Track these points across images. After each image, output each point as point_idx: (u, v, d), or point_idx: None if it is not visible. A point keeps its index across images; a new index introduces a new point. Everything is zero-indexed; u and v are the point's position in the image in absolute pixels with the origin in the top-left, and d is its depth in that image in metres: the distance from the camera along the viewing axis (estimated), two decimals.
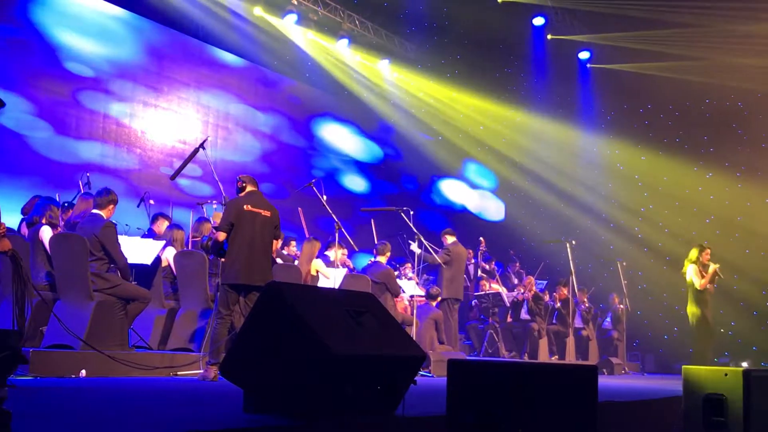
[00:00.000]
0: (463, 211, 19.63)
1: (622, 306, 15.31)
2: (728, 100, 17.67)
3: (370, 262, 11.12)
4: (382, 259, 10.82)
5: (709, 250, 11.48)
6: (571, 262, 13.18)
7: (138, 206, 10.76)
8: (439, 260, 11.52)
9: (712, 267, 11.29)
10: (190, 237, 9.66)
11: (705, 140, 17.74)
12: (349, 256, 12.27)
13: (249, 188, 7.46)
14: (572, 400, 3.81)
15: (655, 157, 18.24)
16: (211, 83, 14.09)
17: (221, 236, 7.23)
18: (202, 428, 3.38)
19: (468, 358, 11.42)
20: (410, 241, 11.05)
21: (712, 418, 5.18)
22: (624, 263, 15.28)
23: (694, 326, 11.37)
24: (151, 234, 9.47)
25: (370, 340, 4.29)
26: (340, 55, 16.51)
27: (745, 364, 11.57)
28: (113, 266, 7.66)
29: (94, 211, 7.72)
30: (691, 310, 11.37)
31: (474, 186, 20.10)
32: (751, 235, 16.13)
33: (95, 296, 7.33)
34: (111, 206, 7.79)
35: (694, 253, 11.50)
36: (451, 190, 19.59)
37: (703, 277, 11.25)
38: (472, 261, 14.68)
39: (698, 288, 11.22)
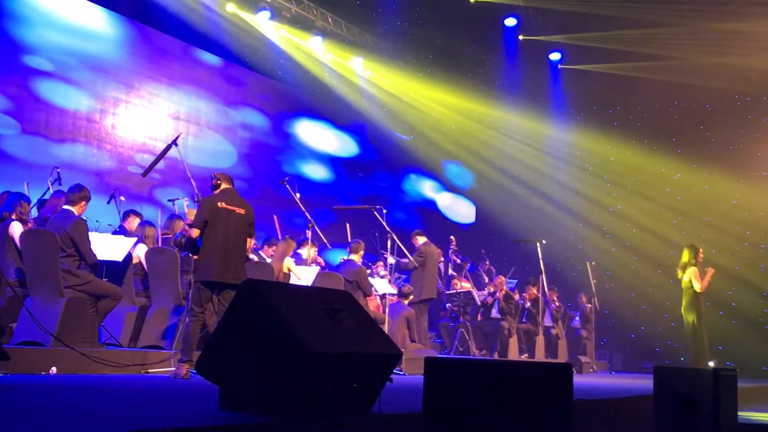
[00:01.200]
0: (435, 210, 19.69)
1: (590, 305, 15.45)
2: (695, 101, 17.89)
3: (343, 260, 11.12)
4: (356, 258, 10.81)
5: (701, 250, 11.55)
6: (541, 261, 13.27)
7: (108, 203, 10.64)
8: (415, 264, 11.54)
9: (710, 271, 11.34)
10: (161, 234, 9.61)
11: (673, 142, 17.94)
12: (321, 254, 12.25)
13: (224, 186, 7.42)
14: (548, 398, 3.84)
15: (624, 158, 18.43)
16: (182, 79, 13.99)
17: (195, 233, 7.20)
18: (179, 425, 3.36)
19: (440, 356, 11.46)
20: (385, 254, 11.07)
21: (683, 416, 5.24)
22: (593, 263, 15.41)
23: (691, 328, 11.40)
24: (122, 231, 9.40)
25: (347, 338, 4.31)
26: (313, 53, 16.48)
27: (711, 364, 11.70)
28: (84, 263, 7.60)
29: (66, 207, 7.66)
30: (689, 311, 11.40)
31: (446, 186, 20.16)
32: (717, 235, 16.34)
33: (66, 293, 7.26)
34: (83, 203, 7.73)
35: (688, 255, 11.50)
36: (424, 190, 19.62)
37: (701, 280, 11.30)
38: (442, 259, 14.71)
39: (698, 291, 11.27)
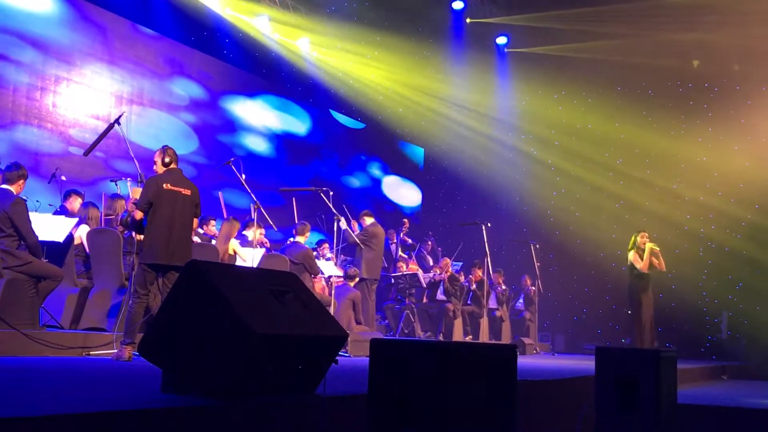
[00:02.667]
0: (382, 193, 19.70)
1: (534, 288, 15.63)
2: (638, 88, 18.16)
3: (289, 243, 11.08)
4: (302, 240, 10.79)
5: (644, 233, 11.72)
6: (486, 244, 13.38)
7: (49, 182, 10.46)
8: (356, 240, 11.56)
9: (648, 247, 11.51)
10: (103, 215, 9.46)
11: (616, 127, 18.18)
12: (268, 236, 12.19)
13: (172, 165, 7.33)
14: (493, 379, 3.88)
15: (568, 143, 18.65)
16: (125, 57, 13.71)
17: (138, 215, 7.12)
18: (120, 408, 3.32)
19: (385, 337, 11.50)
20: (340, 217, 11.02)
21: (624, 397, 5.32)
22: (537, 246, 15.58)
23: (634, 309, 11.56)
24: (63, 211, 9.23)
25: (292, 320, 4.29)
26: (259, 32, 16.30)
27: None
28: (23, 243, 7.45)
29: (4, 186, 7.48)
30: (633, 294, 11.56)
31: (394, 168, 20.15)
32: (657, 220, 16.64)
33: (5, 274, 7.12)
34: (21, 181, 7.56)
35: (632, 239, 11.71)
36: (371, 173, 19.60)
37: (641, 260, 11.45)
38: (394, 241, 14.80)
39: (640, 270, 11.43)
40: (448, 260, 14.38)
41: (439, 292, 13.86)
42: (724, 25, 15.81)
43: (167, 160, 7.32)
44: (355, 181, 19.02)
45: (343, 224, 11.01)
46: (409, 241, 15.08)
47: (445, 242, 17.42)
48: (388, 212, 18.84)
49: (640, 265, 11.45)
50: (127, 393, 4.33)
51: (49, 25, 12.51)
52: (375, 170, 19.68)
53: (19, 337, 6.50)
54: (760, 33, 15.73)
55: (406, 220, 15.37)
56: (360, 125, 19.06)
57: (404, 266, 14.13)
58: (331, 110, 18.27)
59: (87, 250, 8.84)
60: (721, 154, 17.04)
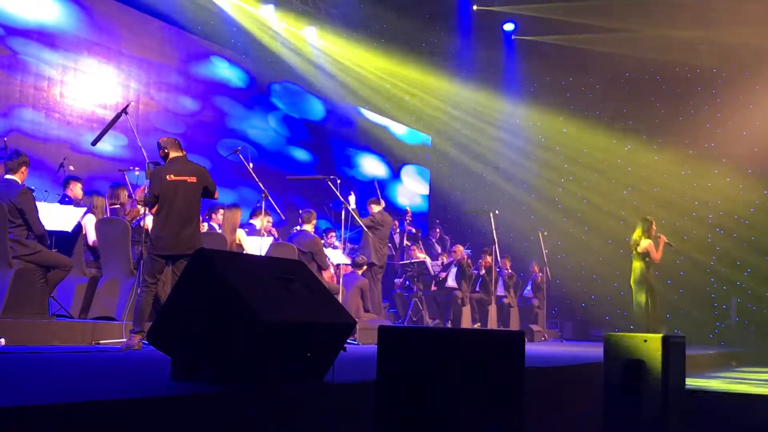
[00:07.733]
0: (387, 186, 19.67)
1: (541, 275, 15.62)
2: (646, 73, 18.12)
3: (296, 231, 11.08)
4: (309, 228, 10.79)
5: (654, 222, 11.67)
6: (494, 231, 13.37)
7: (57, 172, 10.48)
8: (363, 223, 11.54)
9: (662, 239, 11.48)
10: (108, 205, 9.45)
11: (624, 113, 18.14)
12: (276, 225, 12.20)
13: (172, 154, 7.30)
14: (501, 366, 3.88)
15: (576, 130, 18.61)
16: (132, 47, 13.71)
17: (154, 211, 7.17)
18: (130, 396, 3.34)
19: (394, 325, 11.50)
20: (351, 192, 11.03)
21: (632, 383, 5.33)
22: (545, 233, 15.56)
23: (643, 296, 11.51)
24: (68, 200, 9.24)
25: (299, 307, 4.29)
26: (265, 21, 16.26)
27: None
28: (31, 233, 7.47)
29: (7, 176, 7.47)
30: (641, 283, 11.51)
31: (397, 157, 20.09)
32: (666, 206, 16.63)
33: (14, 263, 7.14)
34: (23, 168, 7.53)
35: (641, 228, 11.57)
36: (378, 163, 19.57)
37: (656, 251, 11.42)
38: (398, 230, 14.80)
39: (655, 260, 11.39)
40: (461, 247, 14.37)
41: (451, 279, 13.85)
42: (732, 10, 15.72)
43: (164, 153, 7.30)
44: (362, 171, 19.00)
45: (352, 202, 11.00)
46: (413, 230, 15.07)
47: (453, 230, 17.41)
48: (395, 203, 18.82)
49: (655, 255, 11.39)
50: (137, 381, 4.35)
51: (56, 16, 12.51)
52: (381, 160, 19.64)
53: (29, 326, 6.54)
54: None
55: (408, 209, 15.36)
56: (367, 115, 19.03)
57: (414, 253, 14.15)
58: (338, 100, 18.21)
59: (88, 239, 8.85)
60: (729, 139, 16.99)
